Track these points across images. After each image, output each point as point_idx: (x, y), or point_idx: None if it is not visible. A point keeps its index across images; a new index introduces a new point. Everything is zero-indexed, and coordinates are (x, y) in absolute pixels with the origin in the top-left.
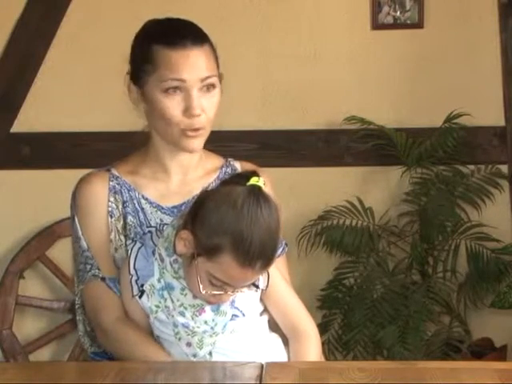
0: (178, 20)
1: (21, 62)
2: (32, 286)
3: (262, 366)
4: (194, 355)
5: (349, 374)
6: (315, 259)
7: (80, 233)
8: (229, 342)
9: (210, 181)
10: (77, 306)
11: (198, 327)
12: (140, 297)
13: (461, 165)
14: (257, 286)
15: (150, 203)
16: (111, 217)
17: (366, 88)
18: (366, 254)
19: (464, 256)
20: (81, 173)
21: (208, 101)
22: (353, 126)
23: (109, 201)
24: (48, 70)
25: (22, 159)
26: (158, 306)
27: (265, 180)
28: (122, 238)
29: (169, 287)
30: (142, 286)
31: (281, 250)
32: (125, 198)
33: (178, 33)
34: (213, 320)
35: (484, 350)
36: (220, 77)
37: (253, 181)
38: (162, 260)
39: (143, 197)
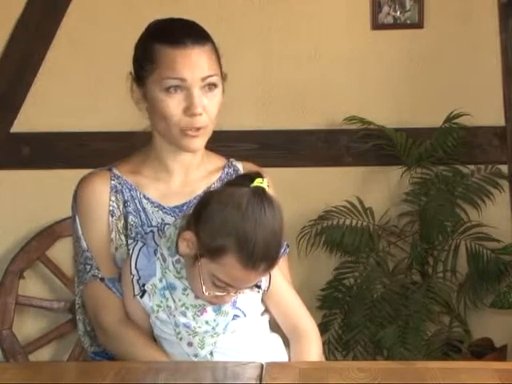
0: (181, 20)
1: (21, 62)
2: (32, 286)
3: (262, 365)
4: (196, 355)
5: (349, 373)
6: (315, 259)
7: (80, 233)
8: (230, 342)
9: (212, 181)
10: (77, 306)
11: (200, 327)
12: (141, 296)
13: (461, 165)
14: (259, 287)
15: (152, 203)
16: (112, 216)
17: (366, 88)
18: (366, 253)
19: (464, 256)
20: (81, 173)
21: (209, 100)
22: (353, 126)
23: (110, 200)
24: (48, 70)
25: (22, 159)
26: (159, 306)
27: (268, 181)
28: (123, 237)
29: (171, 287)
30: (144, 285)
31: (282, 250)
32: (126, 198)
33: (179, 32)
34: (214, 320)
35: (484, 350)
36: (223, 77)
37: (257, 182)
38: (164, 260)
39: (144, 196)
